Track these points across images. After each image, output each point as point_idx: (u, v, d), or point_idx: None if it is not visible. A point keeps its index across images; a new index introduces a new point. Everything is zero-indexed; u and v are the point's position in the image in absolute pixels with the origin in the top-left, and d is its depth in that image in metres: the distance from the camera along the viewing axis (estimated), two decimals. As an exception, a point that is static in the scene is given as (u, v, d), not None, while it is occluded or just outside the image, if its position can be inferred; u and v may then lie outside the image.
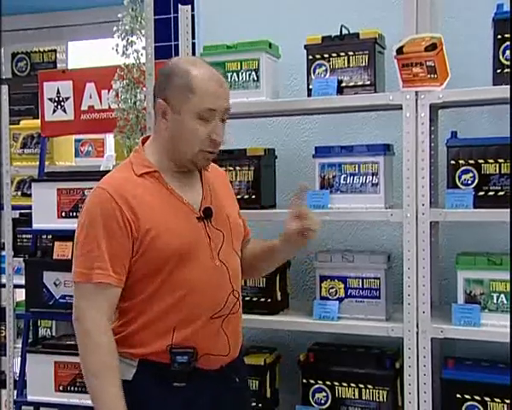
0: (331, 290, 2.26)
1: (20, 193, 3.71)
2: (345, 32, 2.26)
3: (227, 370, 1.69)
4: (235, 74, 2.35)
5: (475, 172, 2.10)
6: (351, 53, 2.23)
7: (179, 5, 2.56)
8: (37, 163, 3.23)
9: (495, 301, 2.06)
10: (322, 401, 2.27)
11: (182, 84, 1.62)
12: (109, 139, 3.60)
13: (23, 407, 3.02)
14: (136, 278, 1.63)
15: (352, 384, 2.24)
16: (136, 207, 1.60)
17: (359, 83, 2.23)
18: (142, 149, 1.73)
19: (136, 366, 1.64)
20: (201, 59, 1.84)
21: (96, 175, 2.55)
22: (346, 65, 2.24)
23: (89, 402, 1.73)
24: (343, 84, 2.24)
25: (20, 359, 3.06)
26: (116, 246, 1.59)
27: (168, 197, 1.67)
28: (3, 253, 3.20)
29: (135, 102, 2.59)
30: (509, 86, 1.97)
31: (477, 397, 2.07)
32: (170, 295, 1.62)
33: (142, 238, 1.60)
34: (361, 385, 2.23)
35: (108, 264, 1.59)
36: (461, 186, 2.10)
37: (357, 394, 2.23)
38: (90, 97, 3.00)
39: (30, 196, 3.00)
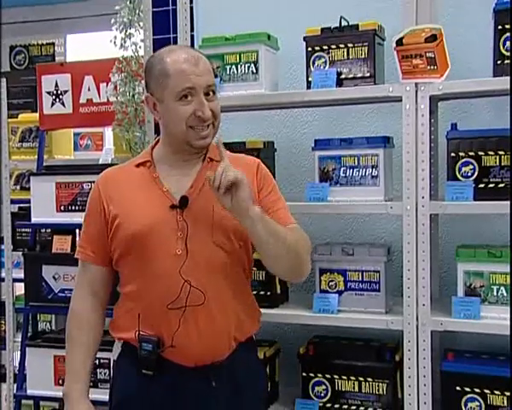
0: (331, 283, 2.26)
1: (18, 187, 3.71)
2: (344, 23, 2.24)
3: (203, 370, 1.65)
4: (233, 67, 2.33)
5: (475, 164, 2.09)
6: (350, 45, 2.22)
7: (177, -3, 2.54)
8: (36, 157, 3.22)
9: (495, 294, 2.06)
10: (322, 394, 2.27)
11: (159, 72, 1.67)
12: (108, 132, 3.59)
13: (23, 401, 3.02)
14: (115, 261, 1.74)
15: (352, 377, 2.23)
16: (112, 192, 1.73)
17: (359, 75, 2.21)
18: (153, 145, 1.81)
19: (120, 347, 1.74)
20: (184, 46, 1.86)
21: (95, 169, 2.54)
22: (345, 57, 2.23)
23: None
24: (342, 76, 2.23)
25: (19, 353, 3.06)
26: (93, 227, 1.75)
27: (148, 185, 1.71)
28: (2, 247, 3.19)
29: (133, 95, 2.58)
30: (509, 77, 1.96)
31: (477, 390, 2.06)
32: (137, 280, 1.68)
33: (112, 222, 1.70)
34: (361, 378, 2.22)
35: (87, 243, 1.77)
36: (461, 178, 2.09)
37: (356, 387, 2.23)
38: (89, 90, 2.99)
39: (29, 189, 3.00)
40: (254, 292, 2.28)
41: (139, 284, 1.68)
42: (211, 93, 1.67)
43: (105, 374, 2.69)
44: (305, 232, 1.76)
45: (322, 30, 2.26)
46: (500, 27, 2.03)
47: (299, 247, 1.69)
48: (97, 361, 2.66)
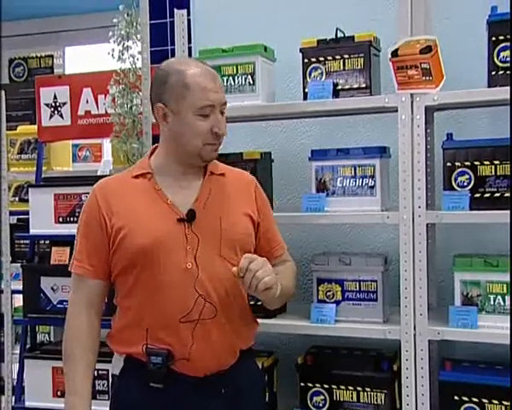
0: (328, 293, 2.26)
1: (17, 199, 3.71)
2: (340, 35, 2.26)
3: (213, 379, 1.66)
4: (230, 78, 2.35)
5: (471, 173, 2.10)
6: (346, 56, 2.24)
7: (175, 10, 2.57)
8: (35, 168, 3.24)
9: (492, 303, 2.06)
10: (321, 405, 2.27)
11: (177, 83, 1.67)
12: (107, 144, 3.60)
13: (21, 413, 3.01)
14: (116, 274, 1.71)
15: (350, 387, 2.23)
16: (113, 204, 1.69)
17: (355, 86, 2.23)
18: (148, 155, 1.79)
19: (123, 361, 1.70)
20: (193, 58, 1.88)
21: (93, 180, 2.54)
22: (341, 68, 2.25)
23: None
24: (339, 87, 2.24)
25: (18, 365, 3.06)
26: (93, 240, 1.71)
27: (152, 197, 1.70)
28: (1, 259, 3.19)
29: (131, 107, 2.59)
30: (503, 88, 1.98)
31: (475, 399, 2.06)
32: (142, 293, 1.66)
33: (115, 235, 1.67)
34: (359, 388, 2.23)
35: (85, 256, 1.71)
36: (457, 188, 2.10)
37: (355, 397, 2.23)
38: (87, 102, 3.00)
39: (27, 201, 3.00)
40: (252, 302, 2.30)
41: (146, 298, 1.65)
42: (224, 110, 1.71)
43: (103, 386, 2.68)
44: (291, 258, 1.93)
45: (319, 41, 2.28)
46: (494, 39, 2.05)
47: (293, 288, 1.85)
48: (96, 373, 2.66)
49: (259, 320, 2.18)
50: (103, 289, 1.74)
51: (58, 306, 2.81)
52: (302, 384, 2.30)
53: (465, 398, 2.08)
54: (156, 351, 1.63)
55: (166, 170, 1.73)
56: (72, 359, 1.70)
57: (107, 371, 2.58)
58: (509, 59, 2.03)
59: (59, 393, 2.79)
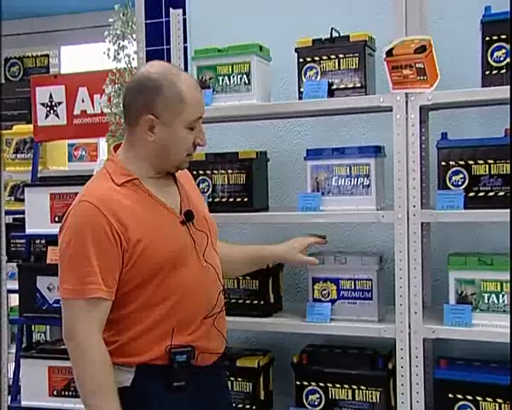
0: (323, 292, 2.27)
1: (13, 198, 3.72)
2: (335, 34, 2.27)
3: (218, 364, 1.75)
4: (226, 78, 2.35)
5: (466, 173, 2.10)
6: (341, 56, 2.24)
7: (170, 9, 2.57)
8: (31, 168, 3.24)
9: (486, 301, 2.07)
10: (316, 403, 2.28)
11: (173, 96, 1.64)
12: (102, 143, 3.61)
13: (17, 413, 3.02)
14: (129, 288, 1.63)
15: (346, 385, 2.24)
16: (123, 217, 1.60)
17: (350, 85, 2.23)
18: (116, 159, 1.72)
19: (133, 372, 1.64)
20: (172, 64, 1.89)
21: (89, 180, 2.55)
22: (336, 67, 2.25)
23: (82, 407, 1.73)
24: (334, 87, 2.25)
25: (13, 364, 3.06)
26: (106, 259, 1.58)
27: (152, 204, 1.68)
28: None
29: (126, 107, 2.59)
30: (497, 88, 1.99)
31: (469, 397, 2.07)
32: (164, 301, 1.64)
33: (133, 249, 1.60)
34: (354, 386, 2.23)
35: (100, 277, 1.57)
36: (451, 187, 2.11)
37: (350, 395, 2.24)
38: (83, 102, 3.02)
39: (23, 200, 3.01)
40: (248, 301, 2.31)
41: (173, 302, 1.64)
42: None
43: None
44: None
45: (314, 41, 2.28)
46: (488, 38, 2.06)
47: None
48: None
49: (256, 320, 2.21)
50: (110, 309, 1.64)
51: (54, 305, 2.81)
52: (298, 383, 2.31)
53: (460, 396, 2.08)
54: (180, 350, 1.64)
55: (146, 175, 1.70)
56: (111, 389, 1.59)
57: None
58: (502, 59, 2.04)
59: (55, 392, 2.80)
